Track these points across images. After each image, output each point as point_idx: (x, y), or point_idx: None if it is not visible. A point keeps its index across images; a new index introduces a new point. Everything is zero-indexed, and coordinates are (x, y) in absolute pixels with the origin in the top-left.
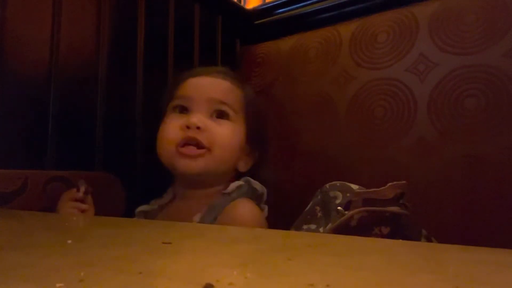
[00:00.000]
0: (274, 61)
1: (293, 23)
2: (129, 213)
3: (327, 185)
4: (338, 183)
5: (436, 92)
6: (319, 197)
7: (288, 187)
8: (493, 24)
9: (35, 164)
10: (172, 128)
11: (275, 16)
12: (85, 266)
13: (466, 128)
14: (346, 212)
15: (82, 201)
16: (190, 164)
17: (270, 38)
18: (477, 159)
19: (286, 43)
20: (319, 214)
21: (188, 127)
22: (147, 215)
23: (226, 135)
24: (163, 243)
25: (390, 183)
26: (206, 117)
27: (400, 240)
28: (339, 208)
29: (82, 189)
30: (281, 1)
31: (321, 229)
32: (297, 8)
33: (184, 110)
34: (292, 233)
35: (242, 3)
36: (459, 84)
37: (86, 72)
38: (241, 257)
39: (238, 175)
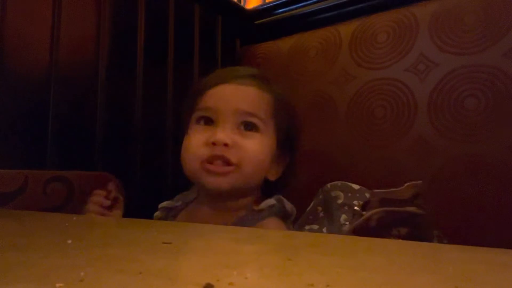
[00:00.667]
0: (274, 61)
1: (293, 23)
2: (129, 213)
3: (329, 185)
4: (339, 183)
5: (436, 92)
6: (320, 197)
7: (288, 187)
8: (493, 24)
9: (35, 164)
10: (197, 143)
11: (275, 16)
12: (85, 266)
13: (466, 128)
14: (363, 212)
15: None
16: (218, 181)
17: (270, 38)
18: (477, 159)
19: (286, 43)
20: (321, 214)
21: (214, 144)
22: (170, 211)
23: (255, 150)
24: (163, 243)
25: (407, 183)
26: (233, 129)
27: (400, 240)
28: (356, 208)
29: (110, 188)
30: (281, 1)
31: (324, 229)
32: (297, 8)
33: (209, 121)
34: (292, 233)
35: (242, 3)
36: (459, 84)
37: (86, 72)
38: (241, 257)
39: (268, 185)
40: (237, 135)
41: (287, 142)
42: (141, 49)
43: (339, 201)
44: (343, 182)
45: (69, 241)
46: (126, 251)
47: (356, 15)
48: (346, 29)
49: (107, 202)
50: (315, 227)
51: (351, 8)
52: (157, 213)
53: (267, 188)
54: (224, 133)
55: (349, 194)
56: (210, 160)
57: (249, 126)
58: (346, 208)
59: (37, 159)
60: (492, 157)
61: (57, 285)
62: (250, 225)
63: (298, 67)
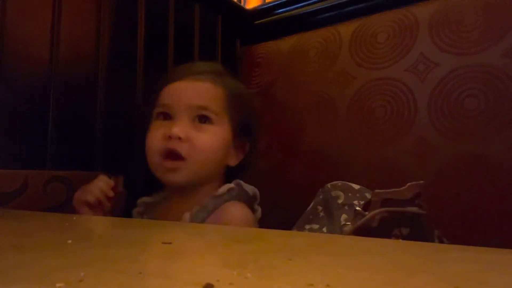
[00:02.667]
0: (274, 61)
1: (293, 23)
2: (129, 213)
3: (329, 185)
4: (339, 182)
5: (436, 92)
6: (320, 196)
7: (288, 187)
8: (493, 24)
9: (35, 164)
10: (155, 137)
11: (275, 16)
12: (85, 266)
13: (466, 128)
14: (366, 213)
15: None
16: (172, 176)
17: (270, 38)
18: (477, 159)
19: (286, 43)
20: (321, 214)
21: (170, 137)
22: (148, 206)
23: (206, 142)
24: (163, 243)
25: (409, 183)
26: (188, 123)
27: (400, 240)
28: (358, 208)
29: (119, 180)
30: (281, 1)
31: (324, 229)
32: (297, 8)
33: (167, 116)
34: (292, 233)
35: (242, 3)
36: (459, 84)
37: (86, 72)
38: (241, 257)
39: (231, 170)
40: (192, 129)
41: (245, 130)
42: (141, 49)
43: (340, 201)
44: (344, 182)
45: (69, 241)
46: (126, 251)
47: (356, 15)
48: (346, 29)
49: (111, 193)
50: (315, 226)
51: (351, 8)
52: (136, 209)
53: (230, 174)
54: (178, 127)
55: (350, 194)
56: (165, 154)
57: (203, 119)
58: (346, 208)
59: (37, 159)
60: (492, 157)
61: (57, 285)
62: (211, 210)
63: (298, 67)
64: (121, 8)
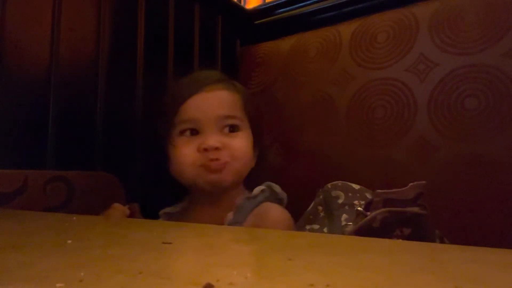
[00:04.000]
0: (274, 61)
1: (293, 23)
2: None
3: (329, 185)
4: (339, 182)
5: (436, 92)
6: (321, 197)
7: (288, 187)
8: (493, 24)
9: (35, 164)
10: (189, 153)
11: (275, 16)
12: (85, 266)
13: (466, 128)
14: (368, 213)
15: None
16: (218, 177)
17: (270, 38)
18: (477, 159)
19: (286, 43)
20: (322, 214)
21: (206, 150)
22: (171, 216)
23: (243, 146)
24: (163, 243)
25: (411, 183)
26: (219, 134)
27: (400, 240)
28: (359, 208)
29: (134, 209)
30: (281, 1)
31: (325, 229)
32: (297, 8)
33: (194, 132)
34: (292, 233)
35: (242, 3)
36: (459, 84)
37: (86, 72)
38: (241, 257)
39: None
40: (224, 137)
41: (258, 135)
42: (141, 49)
43: (340, 201)
44: (344, 182)
45: (69, 241)
46: (126, 251)
47: (356, 15)
48: (346, 29)
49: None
50: (316, 227)
51: (351, 8)
52: (159, 220)
53: (248, 178)
54: (212, 139)
55: (350, 194)
56: (207, 164)
57: (232, 128)
58: (346, 208)
59: (37, 159)
60: (492, 157)
61: (57, 285)
62: (248, 211)
63: (298, 67)
64: (121, 8)
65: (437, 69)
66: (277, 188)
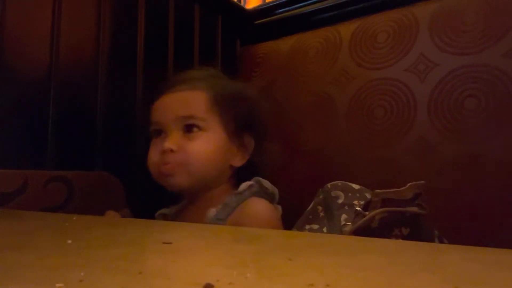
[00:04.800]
0: (274, 61)
1: (293, 23)
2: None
3: (329, 185)
4: (339, 182)
5: (436, 92)
6: (320, 196)
7: (288, 187)
8: (493, 24)
9: (35, 164)
10: (153, 155)
11: (275, 16)
12: (85, 266)
13: (466, 128)
14: (366, 213)
15: None
16: (172, 180)
17: (270, 38)
18: (477, 159)
19: (286, 43)
20: (321, 214)
21: (163, 152)
22: (166, 217)
23: (199, 149)
24: (163, 243)
25: (409, 183)
26: (179, 135)
27: (400, 240)
28: (358, 208)
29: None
30: (281, 1)
31: (324, 229)
32: (297, 8)
33: (160, 133)
34: (292, 233)
35: (242, 3)
36: (459, 84)
37: (86, 72)
38: (241, 257)
39: (243, 169)
40: (184, 139)
41: (245, 128)
42: (141, 49)
43: (340, 201)
44: (343, 182)
45: (69, 241)
46: (126, 251)
47: (356, 15)
48: (346, 29)
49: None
50: (315, 226)
51: (351, 8)
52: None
53: (242, 173)
54: (169, 141)
55: (350, 194)
56: (160, 167)
57: (191, 128)
58: (346, 208)
59: (37, 159)
60: (492, 157)
61: (57, 285)
62: (234, 207)
63: (298, 67)
64: (121, 8)
65: (437, 69)
66: (266, 183)
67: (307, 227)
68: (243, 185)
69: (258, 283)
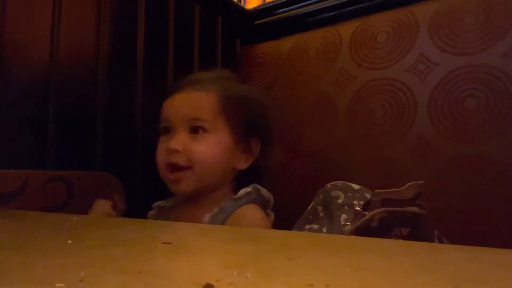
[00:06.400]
0: (274, 61)
1: (293, 23)
2: (129, 213)
3: (329, 185)
4: (339, 182)
5: (436, 92)
6: (320, 196)
7: (288, 187)
8: (493, 24)
9: (35, 164)
10: (160, 153)
11: (275, 16)
12: (85, 266)
13: (466, 128)
14: (366, 213)
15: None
16: (177, 187)
17: (270, 38)
18: (477, 159)
19: (286, 43)
20: (321, 214)
21: (169, 150)
22: (162, 210)
23: (204, 151)
24: (163, 243)
25: (409, 183)
26: (186, 135)
27: (400, 240)
28: (357, 208)
29: (116, 199)
30: (281, 1)
31: (324, 229)
32: (297, 8)
33: (169, 130)
34: (292, 233)
35: (242, 3)
36: (459, 84)
37: (86, 72)
38: (241, 257)
39: (245, 172)
40: (189, 139)
41: (250, 132)
42: (141, 49)
43: (339, 201)
44: (343, 182)
45: (69, 241)
46: (126, 251)
47: (356, 15)
48: (346, 29)
49: (112, 214)
50: (315, 226)
51: (351, 8)
52: (151, 212)
53: (244, 176)
54: (175, 140)
55: (349, 194)
56: (168, 167)
57: (197, 129)
58: (346, 208)
59: (37, 159)
60: (492, 157)
61: (57, 285)
62: (229, 212)
63: (298, 67)
64: (121, 8)
65: (437, 69)
66: (264, 191)
67: (307, 227)
68: (242, 192)
69: (258, 283)
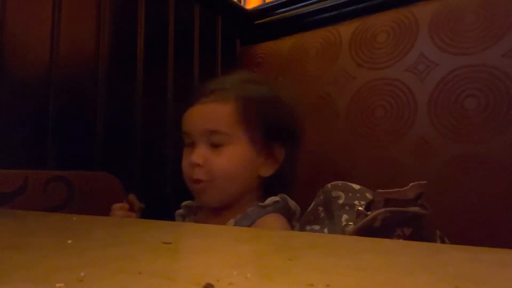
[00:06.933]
0: (274, 61)
1: (293, 23)
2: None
3: (329, 185)
4: (340, 183)
5: (436, 92)
6: (321, 197)
7: (291, 184)
8: (493, 24)
9: (35, 164)
10: (184, 165)
11: (275, 16)
12: (85, 266)
13: (466, 128)
14: (368, 213)
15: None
16: (202, 198)
17: (270, 38)
18: (477, 159)
19: (286, 43)
20: (322, 214)
21: (191, 164)
22: (190, 209)
23: (224, 165)
24: (163, 243)
25: (411, 183)
26: (206, 147)
27: (400, 240)
28: (360, 208)
29: (131, 200)
30: (281, 1)
31: (325, 230)
32: (297, 8)
33: (191, 143)
34: (292, 233)
35: (242, 3)
36: (459, 84)
37: (86, 72)
38: (241, 257)
39: (271, 179)
40: (209, 152)
41: (274, 137)
42: (141, 49)
43: (340, 201)
44: (344, 182)
45: (69, 241)
46: (126, 251)
47: (356, 15)
48: (346, 29)
49: (132, 215)
50: (317, 227)
51: (351, 8)
52: (179, 211)
53: (269, 185)
54: (196, 154)
55: (350, 194)
56: (192, 181)
57: (216, 144)
58: (347, 208)
59: (37, 159)
60: (492, 157)
61: (57, 285)
62: (254, 219)
63: (298, 67)
64: (121, 8)
65: (437, 69)
66: (291, 201)
67: (308, 227)
68: (269, 200)
69: (258, 283)
